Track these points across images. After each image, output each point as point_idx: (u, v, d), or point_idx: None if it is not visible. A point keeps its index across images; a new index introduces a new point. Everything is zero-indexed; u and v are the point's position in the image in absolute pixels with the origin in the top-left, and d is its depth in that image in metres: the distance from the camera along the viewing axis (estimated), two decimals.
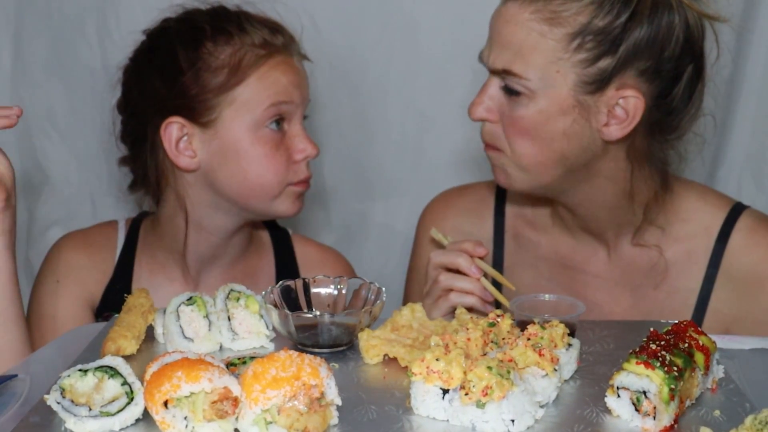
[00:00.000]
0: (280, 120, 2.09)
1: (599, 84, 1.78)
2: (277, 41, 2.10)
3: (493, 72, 1.85)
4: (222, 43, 2.05)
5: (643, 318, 2.00)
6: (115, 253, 2.26)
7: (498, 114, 1.86)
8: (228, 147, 2.06)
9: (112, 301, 2.16)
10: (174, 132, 2.06)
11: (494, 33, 1.85)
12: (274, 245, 2.35)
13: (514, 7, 1.80)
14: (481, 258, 1.88)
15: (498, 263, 2.15)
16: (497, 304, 1.93)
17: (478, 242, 1.90)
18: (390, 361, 1.55)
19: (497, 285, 1.94)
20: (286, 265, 2.32)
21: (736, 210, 2.00)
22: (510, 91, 1.82)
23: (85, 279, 2.21)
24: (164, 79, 2.07)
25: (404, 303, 2.18)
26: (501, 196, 2.20)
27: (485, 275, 1.89)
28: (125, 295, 1.77)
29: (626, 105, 1.80)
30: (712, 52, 1.92)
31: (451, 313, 1.88)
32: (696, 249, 1.99)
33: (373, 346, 1.55)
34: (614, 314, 2.04)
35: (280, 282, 1.70)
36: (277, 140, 2.08)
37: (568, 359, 1.46)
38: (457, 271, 1.88)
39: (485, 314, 1.84)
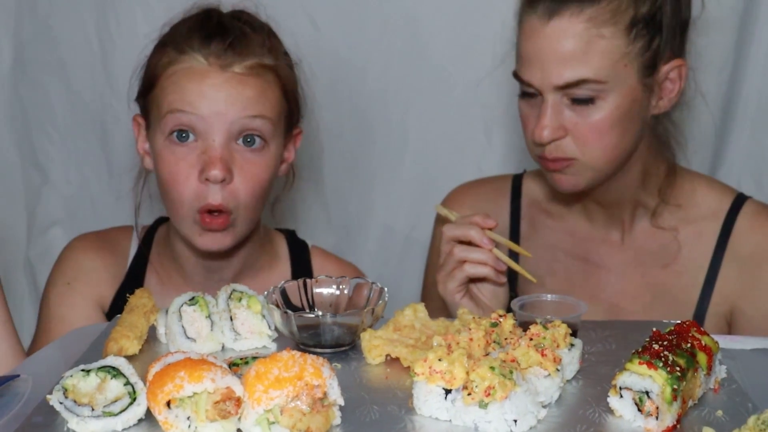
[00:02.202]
0: (189, 132, 1.94)
1: (654, 66, 1.90)
2: (205, 47, 1.94)
3: (559, 88, 1.87)
4: (163, 43, 2.01)
5: (654, 297, 2.09)
6: (127, 258, 2.21)
7: (565, 129, 1.90)
8: (153, 151, 2.02)
9: (121, 307, 2.13)
10: (135, 129, 2.09)
11: (545, 52, 1.87)
12: (292, 259, 2.28)
13: (563, 23, 1.85)
14: (491, 229, 1.92)
15: None
16: (510, 274, 2.00)
17: (487, 215, 1.93)
18: (392, 361, 1.54)
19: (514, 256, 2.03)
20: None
21: (741, 198, 2.11)
22: (579, 101, 1.87)
23: (96, 281, 2.16)
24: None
25: (423, 299, 2.22)
26: (516, 186, 2.28)
27: (498, 246, 1.92)
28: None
29: (674, 75, 1.94)
30: None
31: (465, 283, 1.94)
32: (705, 231, 2.09)
33: (375, 346, 1.55)
34: (626, 295, 2.12)
35: (282, 282, 1.70)
36: (185, 154, 1.94)
37: (571, 359, 1.46)
38: (470, 244, 1.91)
39: (499, 284, 1.94)
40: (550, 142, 1.91)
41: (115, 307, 2.12)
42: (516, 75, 1.96)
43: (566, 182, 1.98)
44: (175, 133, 1.95)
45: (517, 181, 2.29)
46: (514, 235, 2.24)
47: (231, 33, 1.97)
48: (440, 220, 2.27)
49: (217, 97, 1.92)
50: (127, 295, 1.75)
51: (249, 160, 1.96)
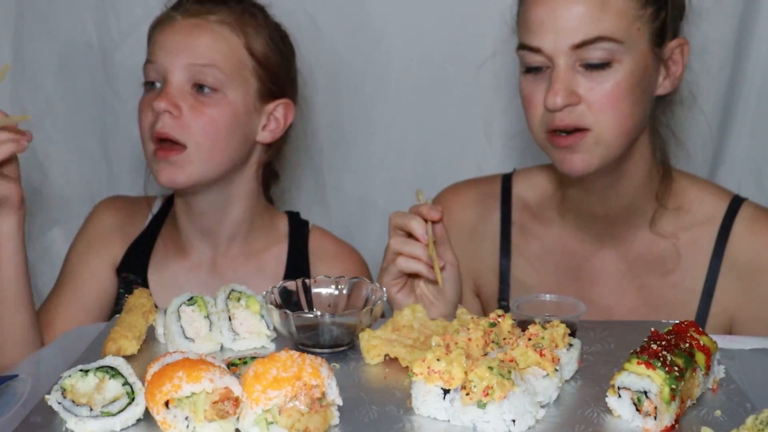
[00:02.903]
0: (155, 82, 2.08)
1: (661, 37, 1.88)
2: (180, 4, 2.12)
3: (574, 48, 1.81)
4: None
5: (650, 310, 2.03)
6: (145, 221, 2.33)
7: (578, 95, 1.84)
8: None
9: (129, 263, 2.26)
10: None
11: (558, 13, 1.82)
12: (291, 234, 2.32)
13: None
14: (435, 221, 1.82)
15: (505, 254, 2.17)
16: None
17: (435, 207, 1.83)
18: (391, 361, 1.54)
19: None
20: (298, 256, 2.30)
21: (737, 201, 2.04)
22: (593, 66, 1.82)
23: (112, 240, 2.29)
24: None
25: None
26: (507, 189, 2.21)
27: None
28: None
29: (677, 54, 1.92)
30: None
31: (401, 277, 1.86)
32: (700, 239, 2.03)
33: (374, 346, 1.55)
34: (620, 306, 2.06)
35: (281, 282, 1.70)
36: (150, 97, 2.08)
37: (569, 359, 1.46)
38: (411, 235, 1.83)
39: (432, 282, 1.84)
40: (563, 108, 1.83)
41: (125, 264, 2.28)
42: (523, 46, 1.89)
43: (579, 162, 1.87)
44: (146, 84, 2.11)
45: (506, 183, 2.22)
46: (505, 242, 2.17)
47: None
48: None
49: (173, 44, 2.07)
50: (126, 297, 1.76)
51: (200, 101, 2.06)
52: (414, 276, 1.88)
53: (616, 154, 1.89)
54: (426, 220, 1.82)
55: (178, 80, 2.04)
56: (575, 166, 1.88)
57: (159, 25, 2.11)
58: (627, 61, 1.83)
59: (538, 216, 2.18)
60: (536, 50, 1.85)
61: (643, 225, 2.05)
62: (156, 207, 2.37)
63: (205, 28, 2.08)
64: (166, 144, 2.04)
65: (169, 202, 2.36)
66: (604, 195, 2.01)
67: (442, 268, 1.82)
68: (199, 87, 2.06)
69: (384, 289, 1.67)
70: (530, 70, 1.89)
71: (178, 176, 2.05)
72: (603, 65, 1.82)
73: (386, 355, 1.55)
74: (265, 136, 2.19)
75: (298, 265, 2.27)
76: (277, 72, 2.18)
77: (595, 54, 1.81)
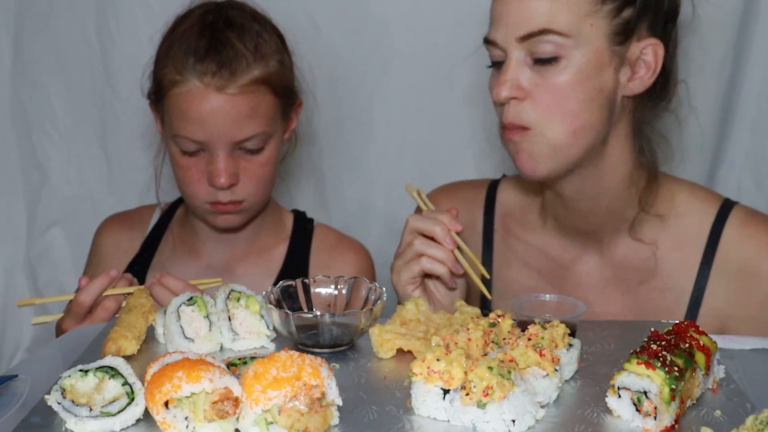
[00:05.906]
0: (195, 149, 2.10)
1: (625, 36, 1.83)
2: (200, 66, 2.05)
3: (521, 40, 1.80)
4: (167, 45, 2.12)
5: (636, 316, 2.01)
6: (146, 229, 2.41)
7: (525, 90, 1.82)
8: (167, 145, 2.20)
9: (136, 273, 2.26)
10: (153, 112, 2.22)
11: (511, 7, 1.82)
12: (294, 230, 2.40)
13: None
14: (457, 233, 1.86)
15: (487, 261, 2.16)
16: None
17: (455, 217, 1.88)
18: (391, 359, 1.55)
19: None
20: (299, 248, 2.37)
21: (727, 206, 2.00)
22: (541, 61, 1.80)
23: (117, 257, 2.36)
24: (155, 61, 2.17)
25: None
26: (491, 196, 2.21)
27: (459, 249, 1.87)
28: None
29: (648, 56, 1.86)
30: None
31: (419, 278, 1.89)
32: (689, 245, 1.99)
33: (387, 340, 1.56)
34: (607, 314, 2.03)
35: (281, 282, 1.70)
36: (195, 162, 2.12)
37: (569, 359, 1.46)
38: (433, 239, 1.87)
39: (450, 288, 1.88)
40: (508, 100, 1.81)
41: (129, 272, 2.27)
42: (484, 40, 1.89)
43: (524, 163, 1.85)
44: (183, 150, 2.13)
45: (492, 190, 2.21)
46: (487, 249, 2.16)
47: (222, 49, 2.07)
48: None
49: (215, 121, 2.06)
50: (126, 296, 1.76)
51: (251, 160, 2.14)
52: (429, 277, 1.90)
53: (571, 154, 1.85)
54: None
55: (226, 152, 2.09)
56: (524, 165, 1.87)
57: (184, 95, 2.05)
58: (576, 57, 1.79)
59: (521, 222, 2.16)
60: (492, 43, 1.86)
61: (625, 230, 2.02)
62: (157, 212, 2.43)
63: (240, 99, 2.06)
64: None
65: (172, 208, 2.42)
66: (577, 199, 1.97)
67: (462, 275, 1.88)
68: (247, 148, 2.12)
69: (383, 290, 1.67)
70: (494, 64, 1.90)
71: (236, 222, 2.22)
72: (550, 60, 1.80)
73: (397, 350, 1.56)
74: (285, 138, 2.28)
75: (298, 257, 2.34)
76: (290, 86, 2.23)
77: (543, 48, 1.79)
